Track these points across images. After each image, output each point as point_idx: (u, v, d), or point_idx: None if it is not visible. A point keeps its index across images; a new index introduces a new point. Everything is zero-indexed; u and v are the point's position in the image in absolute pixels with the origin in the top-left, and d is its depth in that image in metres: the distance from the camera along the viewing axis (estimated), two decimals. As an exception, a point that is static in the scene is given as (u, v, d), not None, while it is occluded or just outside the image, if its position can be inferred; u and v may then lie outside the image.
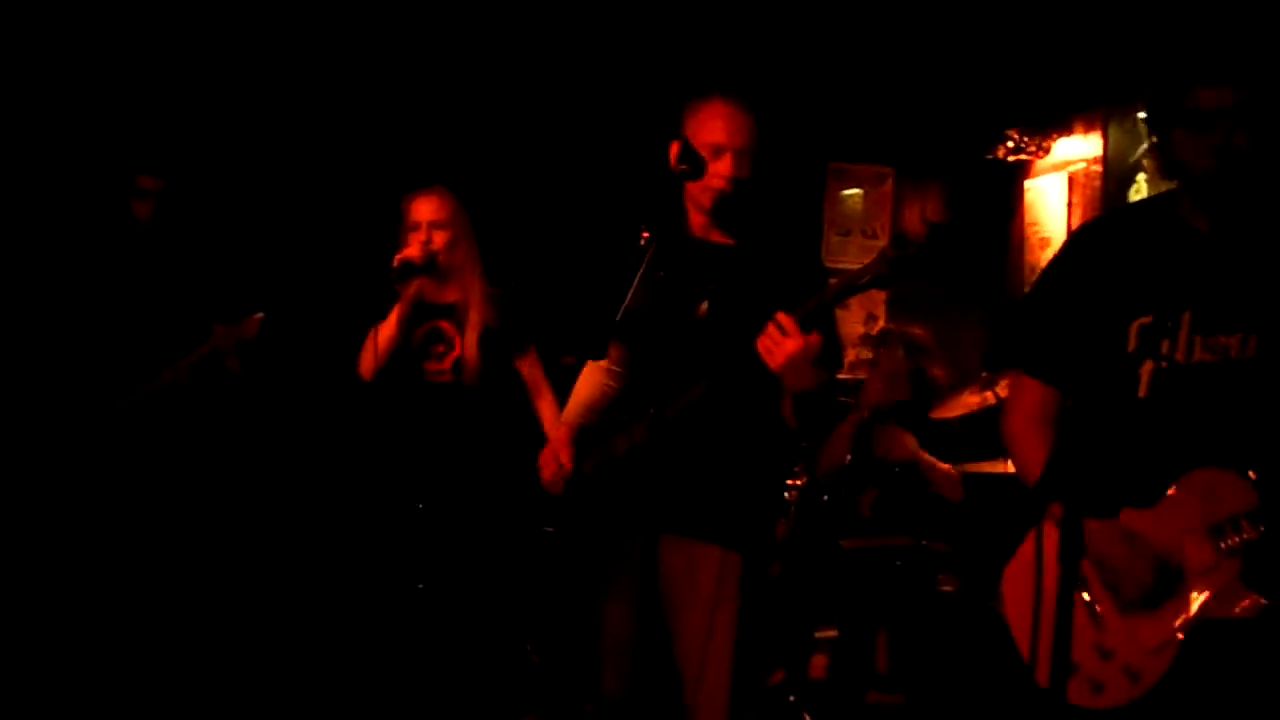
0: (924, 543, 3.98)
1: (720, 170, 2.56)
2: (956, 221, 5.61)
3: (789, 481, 3.95)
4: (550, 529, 2.71)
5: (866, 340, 5.28)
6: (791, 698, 3.90)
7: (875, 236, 5.63)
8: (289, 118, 4.81)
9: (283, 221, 4.74)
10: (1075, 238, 2.45)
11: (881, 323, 5.46)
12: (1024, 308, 2.39)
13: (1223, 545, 1.99)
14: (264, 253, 4.49)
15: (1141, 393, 2.12)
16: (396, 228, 3.47)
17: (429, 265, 3.38)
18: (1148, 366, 2.11)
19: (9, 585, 3.82)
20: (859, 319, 5.51)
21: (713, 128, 2.59)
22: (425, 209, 3.41)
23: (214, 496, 3.98)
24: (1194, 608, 1.94)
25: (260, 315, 3.74)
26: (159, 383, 3.86)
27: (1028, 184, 5.36)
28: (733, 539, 2.59)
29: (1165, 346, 2.10)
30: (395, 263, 3.32)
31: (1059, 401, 2.28)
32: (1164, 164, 2.15)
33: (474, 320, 3.38)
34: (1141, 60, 4.34)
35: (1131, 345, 2.13)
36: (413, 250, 3.36)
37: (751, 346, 2.39)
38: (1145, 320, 2.13)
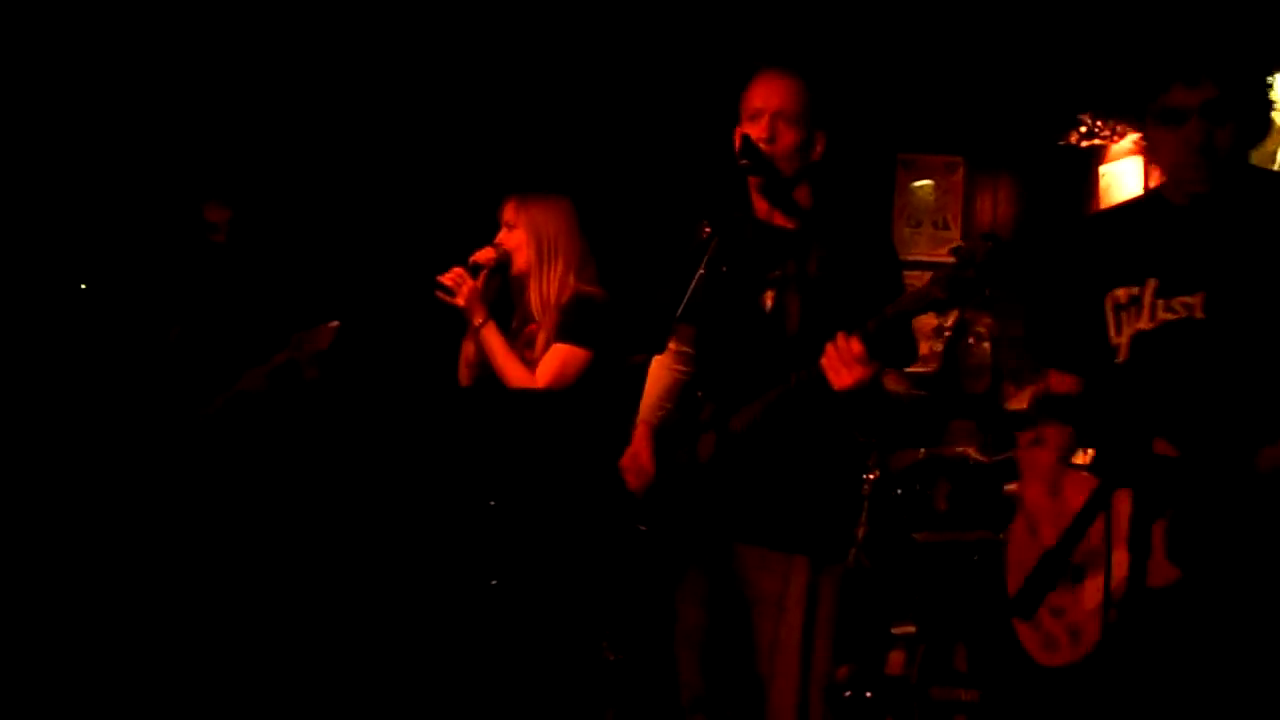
0: (1000, 536, 3.92)
1: (755, 134, 2.53)
2: (1031, 214, 5.54)
3: (863, 476, 3.92)
4: (644, 527, 2.72)
5: (939, 331, 5.21)
6: (869, 694, 3.87)
7: (946, 227, 5.57)
8: (373, 124, 4.89)
9: (370, 227, 4.83)
10: (1071, 228, 2.48)
11: (955, 312, 5.38)
12: (1033, 303, 2.43)
13: None
14: (345, 260, 4.58)
15: (1120, 358, 2.17)
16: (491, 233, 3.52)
17: (496, 266, 3.42)
18: (1125, 335, 2.16)
19: (94, 588, 3.93)
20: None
21: (752, 94, 2.59)
22: (504, 210, 3.47)
23: (291, 501, 4.06)
24: (1119, 574, 1.92)
25: (336, 324, 3.82)
26: (236, 390, 3.95)
27: (1102, 170, 5.27)
28: (795, 544, 2.58)
29: (1133, 314, 2.15)
30: (468, 263, 3.37)
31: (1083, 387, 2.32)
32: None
33: (547, 323, 3.40)
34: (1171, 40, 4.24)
35: (1110, 317, 2.18)
36: (484, 252, 3.41)
37: (813, 365, 2.38)
38: (1118, 291, 2.18)
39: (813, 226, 2.62)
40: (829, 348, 2.35)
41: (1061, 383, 2.35)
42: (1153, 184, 4.84)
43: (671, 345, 2.85)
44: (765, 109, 2.55)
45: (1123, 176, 5.13)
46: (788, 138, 2.56)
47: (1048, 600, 2.14)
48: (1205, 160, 2.06)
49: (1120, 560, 1.87)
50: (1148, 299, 2.14)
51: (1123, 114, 5.07)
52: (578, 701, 3.51)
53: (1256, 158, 2.25)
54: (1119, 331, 2.18)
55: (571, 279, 3.41)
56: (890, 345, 2.38)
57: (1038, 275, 2.38)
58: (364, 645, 4.14)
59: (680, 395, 2.85)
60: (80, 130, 4.57)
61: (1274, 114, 2.21)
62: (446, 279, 3.35)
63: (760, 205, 2.67)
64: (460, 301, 3.34)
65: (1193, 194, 2.15)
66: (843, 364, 2.32)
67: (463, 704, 3.56)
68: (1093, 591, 2.09)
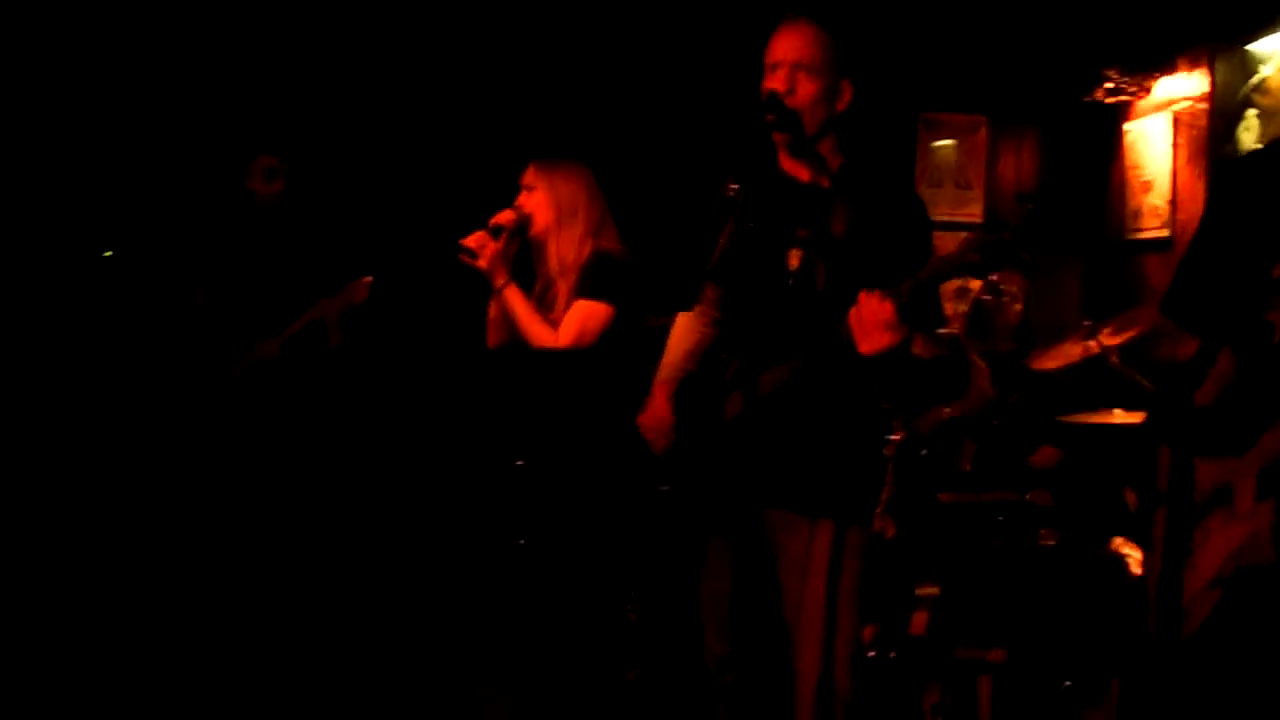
0: (1026, 497, 3.91)
1: (774, 86, 2.49)
2: (1054, 173, 5.47)
3: (888, 437, 3.90)
4: (665, 488, 2.70)
5: (961, 293, 5.18)
6: (892, 654, 3.87)
7: (969, 187, 5.52)
8: (397, 90, 4.87)
9: (393, 192, 4.82)
10: (1221, 180, 2.33)
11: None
12: (1183, 260, 2.27)
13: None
14: (373, 220, 4.57)
15: (1278, 338, 2.03)
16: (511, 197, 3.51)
17: (516, 228, 3.41)
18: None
19: (124, 546, 3.96)
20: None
21: (772, 47, 2.54)
22: (526, 174, 3.46)
23: (317, 465, 4.08)
24: (1229, 551, 1.88)
25: (369, 279, 3.81)
26: (259, 353, 3.97)
27: (1128, 126, 5.20)
28: (820, 508, 2.55)
29: None
30: (488, 226, 3.37)
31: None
32: None
33: (568, 283, 3.39)
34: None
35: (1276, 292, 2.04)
36: (504, 214, 3.40)
37: (838, 329, 2.33)
38: None
39: (840, 184, 2.57)
40: (855, 311, 2.29)
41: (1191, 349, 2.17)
42: (1180, 140, 4.86)
43: (697, 308, 2.83)
44: (784, 61, 2.50)
45: (1149, 134, 5.06)
46: (808, 89, 2.50)
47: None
48: None
49: (1232, 537, 1.81)
50: None
51: (1150, 67, 4.99)
52: (601, 660, 3.52)
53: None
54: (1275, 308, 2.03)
55: (590, 241, 3.41)
56: (921, 309, 2.34)
57: (1201, 234, 2.24)
58: (390, 606, 4.17)
59: (704, 356, 2.81)
60: (117, 99, 4.57)
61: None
62: (469, 242, 3.34)
63: (786, 161, 2.63)
64: (482, 264, 3.33)
65: None
66: (872, 327, 2.27)
67: (488, 661, 3.58)
68: (1203, 570, 2.01)
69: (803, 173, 2.60)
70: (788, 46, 2.52)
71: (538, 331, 3.32)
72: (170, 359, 4.08)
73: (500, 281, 3.34)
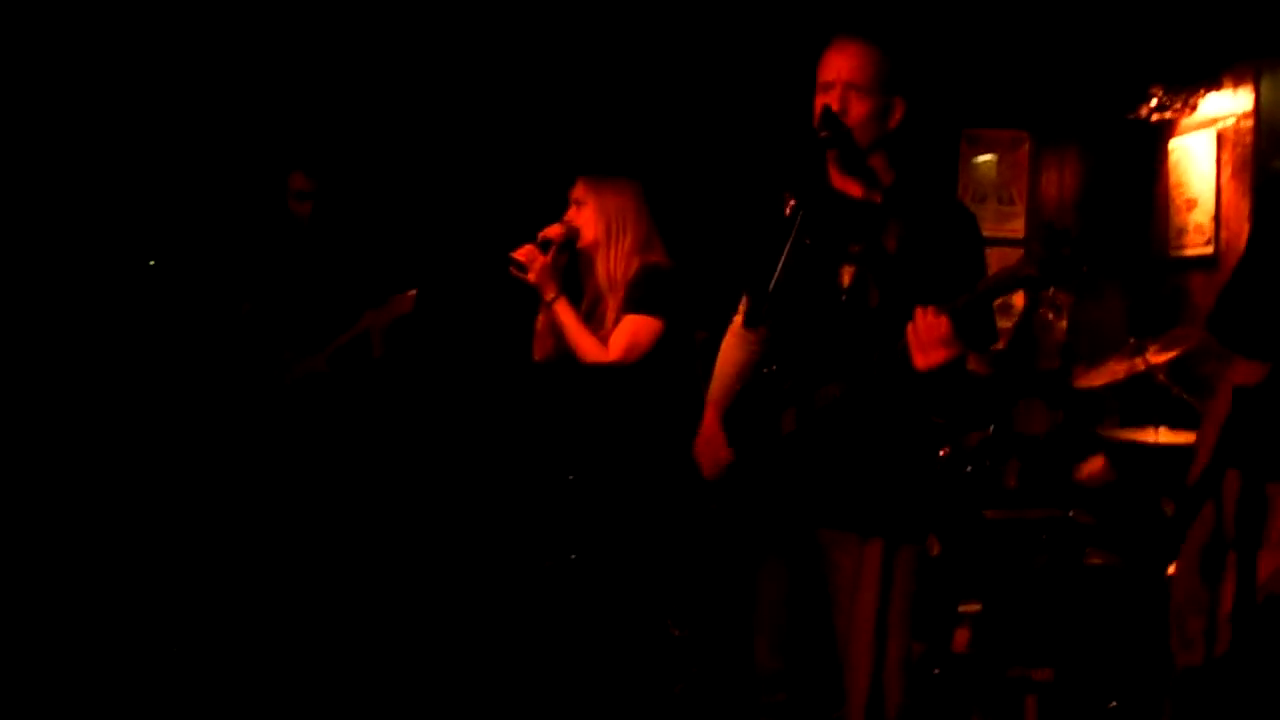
0: (1070, 514, 3.90)
1: (829, 104, 2.49)
2: (1097, 190, 5.45)
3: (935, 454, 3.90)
4: (715, 506, 2.71)
5: (1004, 309, 5.17)
6: (936, 670, 3.86)
7: (1011, 203, 5.51)
8: (449, 101, 4.91)
9: (443, 205, 4.86)
10: (1269, 196, 2.29)
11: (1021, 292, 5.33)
12: (1234, 277, 2.22)
13: None
14: (419, 232, 4.61)
15: None
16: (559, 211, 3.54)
17: (564, 243, 3.44)
18: None
19: (155, 557, 4.01)
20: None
21: (824, 65, 2.55)
22: (575, 188, 3.49)
23: (362, 473, 4.11)
24: (1261, 578, 1.86)
25: (414, 291, 3.85)
26: (301, 369, 4.01)
27: (1172, 144, 5.17)
28: (870, 527, 2.55)
29: None
30: (538, 239, 3.40)
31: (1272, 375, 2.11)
32: None
33: (616, 297, 3.42)
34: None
35: None
36: (554, 228, 3.43)
37: (900, 338, 2.32)
38: None
39: (891, 200, 2.58)
40: (912, 326, 2.30)
41: (1250, 372, 2.12)
42: (1225, 157, 4.83)
43: (740, 318, 2.84)
44: (836, 80, 2.52)
45: (1193, 151, 5.03)
46: (860, 108, 2.51)
47: (1195, 593, 2.05)
48: None
49: (1265, 565, 1.80)
50: None
51: (1195, 84, 4.96)
52: (647, 674, 3.53)
53: None
54: None
55: (638, 256, 3.43)
56: (975, 325, 2.33)
57: (1250, 253, 2.18)
58: (436, 618, 4.19)
59: (752, 374, 2.82)
60: (160, 104, 4.63)
61: None
62: (519, 255, 3.37)
63: (837, 178, 2.63)
64: (532, 277, 3.36)
65: None
66: (928, 343, 2.27)
67: (533, 675, 3.59)
68: (1231, 595, 2.00)
69: (855, 189, 2.61)
70: (840, 66, 2.53)
71: (588, 346, 3.34)
72: (218, 369, 4.13)
73: (550, 295, 3.37)
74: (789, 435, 2.58)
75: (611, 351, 3.34)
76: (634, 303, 3.38)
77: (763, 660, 2.71)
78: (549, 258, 3.39)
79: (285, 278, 4.14)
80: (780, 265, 2.43)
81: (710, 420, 2.79)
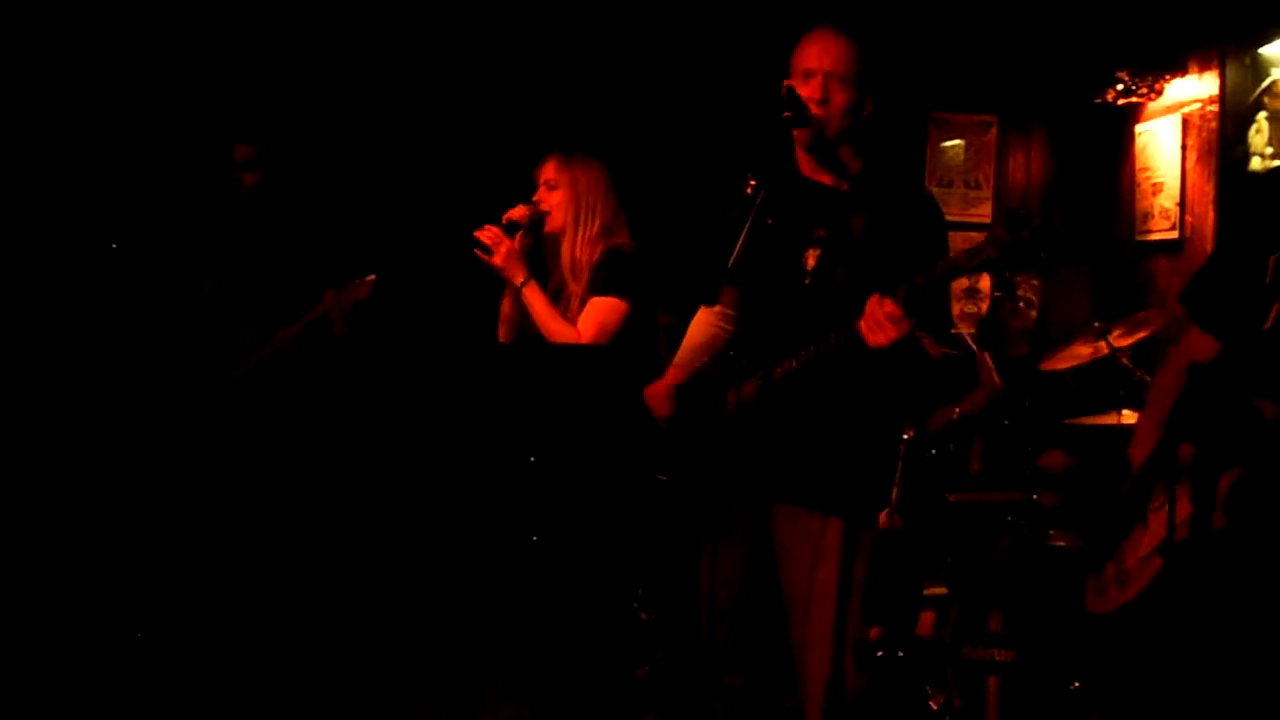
0: (1034, 497, 3.91)
1: (806, 93, 2.52)
2: (1064, 174, 5.47)
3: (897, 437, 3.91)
4: (663, 477, 2.72)
5: (971, 294, 5.19)
6: (900, 654, 3.87)
7: (978, 187, 5.52)
8: (409, 83, 4.86)
9: (403, 184, 4.81)
10: (1242, 194, 2.37)
11: (986, 275, 5.35)
12: (1211, 257, 2.32)
13: None
14: (380, 213, 4.57)
15: (1266, 325, 2.06)
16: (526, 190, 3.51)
17: (531, 224, 3.41)
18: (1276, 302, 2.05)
19: (124, 547, 3.97)
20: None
21: (805, 53, 2.57)
22: (544, 170, 3.47)
23: (325, 457, 4.08)
24: (1174, 522, 1.90)
25: (373, 277, 3.82)
26: (271, 347, 3.97)
27: (1139, 128, 5.20)
28: (832, 505, 2.56)
29: None
30: (502, 220, 3.37)
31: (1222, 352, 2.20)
32: None
33: (582, 279, 3.40)
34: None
35: (1268, 278, 2.07)
36: (518, 209, 3.41)
37: (849, 325, 2.35)
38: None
39: (858, 187, 2.61)
40: (868, 307, 2.32)
41: (1203, 346, 2.24)
42: (1190, 142, 4.86)
43: (716, 307, 2.85)
44: (819, 69, 2.55)
45: (1159, 136, 5.06)
46: (840, 98, 2.55)
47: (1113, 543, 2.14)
48: None
49: (1180, 509, 1.84)
50: None
51: (1161, 69, 4.98)
52: (611, 657, 3.53)
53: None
54: (1274, 295, 2.06)
55: (604, 239, 3.42)
56: (930, 305, 2.35)
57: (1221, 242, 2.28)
58: (398, 604, 4.17)
59: (718, 353, 2.83)
60: (108, 86, 4.56)
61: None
62: (484, 236, 3.34)
63: (805, 162, 2.65)
64: (498, 260, 3.34)
65: None
66: (879, 322, 2.29)
67: (498, 658, 3.58)
68: (1143, 540, 2.07)
69: (823, 176, 2.64)
70: (823, 55, 2.55)
71: (559, 329, 3.33)
72: (182, 349, 4.09)
73: (519, 279, 3.35)
74: (746, 407, 2.58)
75: (583, 334, 3.33)
76: (601, 285, 3.37)
77: (717, 640, 2.70)
78: (515, 242, 3.37)
79: (237, 254, 4.09)
80: (739, 244, 2.44)
81: (669, 378, 2.80)
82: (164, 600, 3.93)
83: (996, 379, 4.18)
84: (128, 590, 3.96)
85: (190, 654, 3.79)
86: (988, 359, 4.21)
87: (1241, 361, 2.07)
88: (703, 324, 2.90)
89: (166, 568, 3.98)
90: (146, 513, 4.03)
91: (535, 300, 3.35)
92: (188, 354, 4.08)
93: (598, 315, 3.34)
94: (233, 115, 4.30)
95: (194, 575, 3.95)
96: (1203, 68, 4.84)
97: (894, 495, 3.65)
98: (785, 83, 2.54)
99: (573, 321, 3.35)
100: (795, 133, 2.58)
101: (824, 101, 2.52)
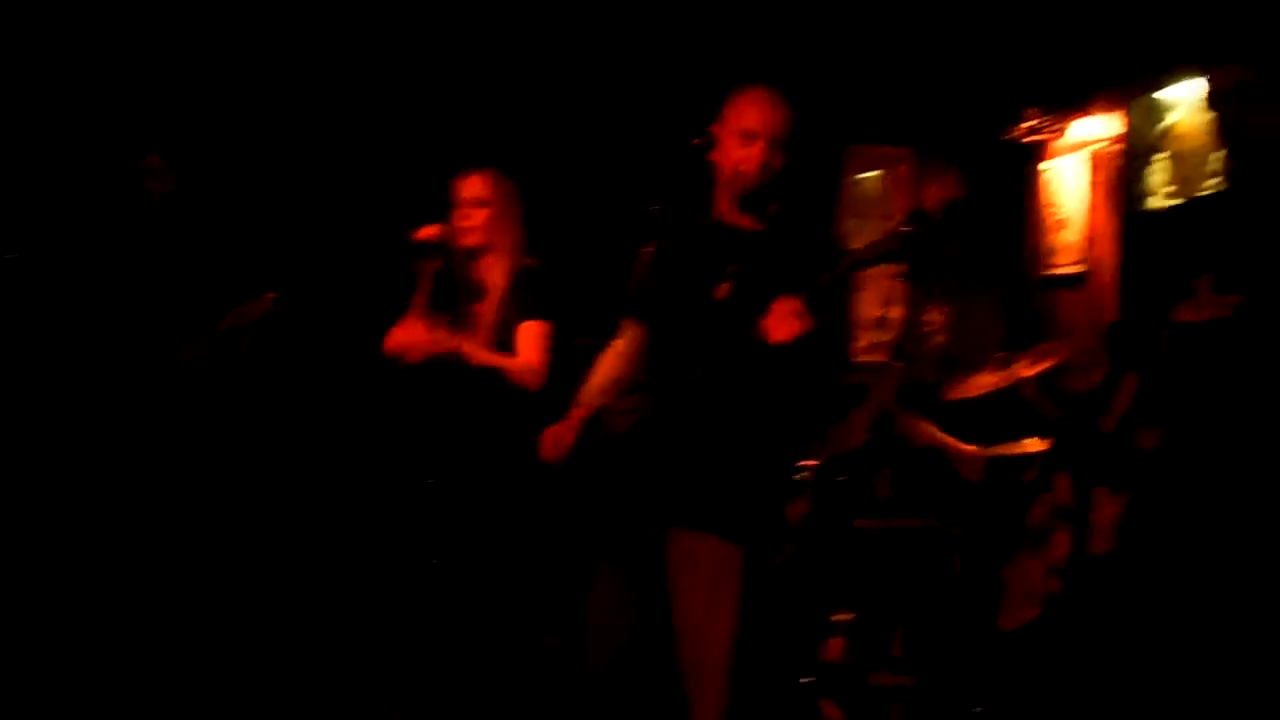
0: (940, 524, 3.97)
1: (751, 155, 2.60)
2: (973, 201, 5.58)
3: (804, 462, 3.95)
4: (557, 502, 2.72)
5: (880, 323, 5.27)
6: (806, 680, 3.90)
7: (893, 219, 5.61)
8: (317, 98, 4.81)
9: (310, 201, 4.76)
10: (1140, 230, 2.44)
11: (897, 305, 5.45)
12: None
13: None
14: (285, 229, 4.51)
15: (1161, 350, 2.14)
16: (439, 207, 3.48)
17: (443, 245, 3.39)
18: (1166, 330, 2.13)
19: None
20: (875, 301, 5.49)
21: (747, 115, 2.64)
22: (469, 187, 3.45)
23: (228, 474, 4.02)
24: (1071, 541, 1.97)
25: (274, 294, 3.77)
26: (178, 360, 3.90)
27: (1044, 165, 5.33)
28: (735, 531, 2.58)
29: (1183, 309, 2.12)
30: (411, 240, 3.34)
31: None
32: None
33: (498, 299, 3.38)
34: (1161, 39, 4.32)
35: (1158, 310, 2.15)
36: (429, 229, 3.38)
37: (752, 329, 2.41)
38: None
39: (773, 227, 2.69)
40: (772, 306, 2.40)
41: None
42: (1096, 179, 4.99)
43: (622, 340, 2.89)
44: (761, 134, 2.62)
45: (1064, 172, 5.19)
46: (778, 161, 2.64)
47: (1017, 563, 2.20)
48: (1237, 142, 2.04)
49: (1066, 533, 1.90)
50: (1203, 295, 2.11)
51: (1066, 108, 5.12)
52: (519, 684, 3.50)
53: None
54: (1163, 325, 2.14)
55: (517, 257, 3.42)
56: (831, 305, 2.43)
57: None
58: (299, 621, 4.10)
59: (622, 391, 2.86)
60: (16, 95, 4.47)
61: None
62: (399, 344, 3.25)
63: (724, 204, 2.72)
64: (433, 349, 3.28)
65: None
66: (782, 317, 2.35)
67: (401, 682, 3.53)
68: (1045, 561, 2.13)
69: (741, 220, 2.71)
70: (766, 121, 2.63)
71: (519, 372, 3.30)
72: (97, 358, 4.00)
73: (462, 348, 3.29)
74: (644, 426, 2.59)
75: (536, 363, 3.31)
76: (530, 308, 3.36)
77: (597, 662, 2.69)
78: (429, 267, 3.34)
79: (143, 267, 4.01)
80: (642, 273, 2.47)
81: (571, 422, 2.80)
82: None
83: (861, 440, 4.24)
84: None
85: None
86: (863, 415, 4.28)
87: (1148, 385, 2.14)
88: (609, 362, 2.91)
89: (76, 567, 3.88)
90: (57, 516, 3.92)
91: (479, 354, 3.31)
92: (94, 363, 3.99)
93: (539, 341, 3.34)
94: (142, 127, 4.23)
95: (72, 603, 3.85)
96: (1107, 108, 4.99)
97: (799, 521, 3.68)
98: (738, 149, 2.61)
99: (485, 341, 3.32)
100: (720, 171, 2.66)
101: (766, 166, 2.61)
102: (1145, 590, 2.07)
